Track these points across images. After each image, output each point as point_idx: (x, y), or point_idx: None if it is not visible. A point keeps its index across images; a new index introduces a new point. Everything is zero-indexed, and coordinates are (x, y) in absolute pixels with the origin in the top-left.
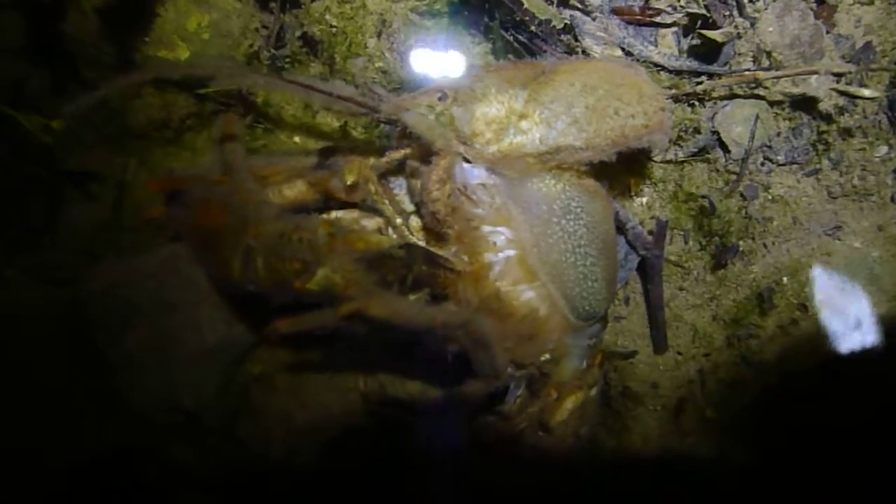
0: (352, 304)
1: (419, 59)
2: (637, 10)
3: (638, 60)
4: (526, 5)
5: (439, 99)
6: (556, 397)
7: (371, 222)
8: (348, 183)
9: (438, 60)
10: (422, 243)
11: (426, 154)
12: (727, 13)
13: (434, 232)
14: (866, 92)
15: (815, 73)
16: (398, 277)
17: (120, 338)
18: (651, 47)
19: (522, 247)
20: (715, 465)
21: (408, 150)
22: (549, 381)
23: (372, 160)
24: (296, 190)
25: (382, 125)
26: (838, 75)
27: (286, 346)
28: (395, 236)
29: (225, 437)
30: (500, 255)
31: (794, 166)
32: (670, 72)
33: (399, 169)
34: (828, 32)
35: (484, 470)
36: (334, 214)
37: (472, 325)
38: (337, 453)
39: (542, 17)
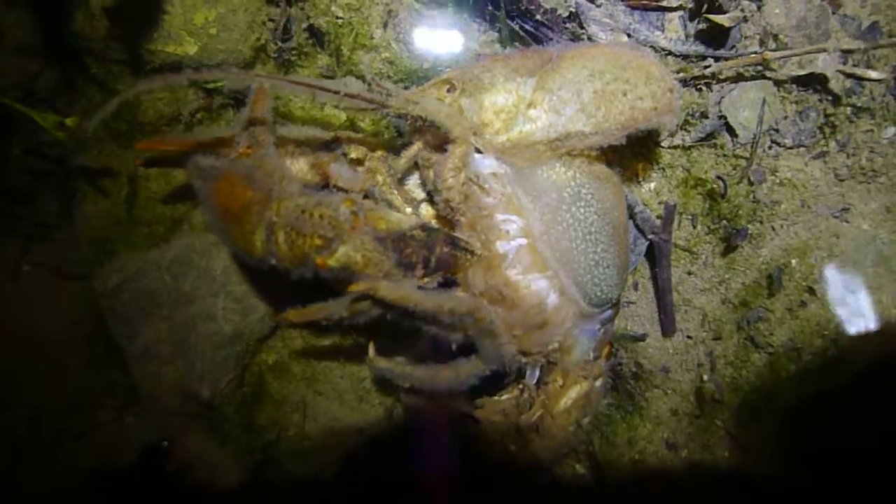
0: (362, 284)
1: (425, 49)
2: None
3: (644, 46)
4: None
5: (448, 91)
6: (562, 384)
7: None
8: (352, 157)
9: (445, 50)
10: None
11: (440, 143)
12: None
13: (447, 220)
14: (873, 73)
15: (824, 51)
16: (421, 259)
17: (137, 330)
18: (657, 32)
19: (533, 235)
20: (724, 445)
21: (420, 144)
22: (555, 367)
23: (380, 152)
24: (296, 167)
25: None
26: (847, 52)
27: (300, 334)
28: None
29: (241, 426)
30: (512, 243)
31: (802, 149)
32: (677, 56)
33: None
34: (834, 13)
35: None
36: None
37: (480, 313)
38: (351, 440)
39: (548, 6)
